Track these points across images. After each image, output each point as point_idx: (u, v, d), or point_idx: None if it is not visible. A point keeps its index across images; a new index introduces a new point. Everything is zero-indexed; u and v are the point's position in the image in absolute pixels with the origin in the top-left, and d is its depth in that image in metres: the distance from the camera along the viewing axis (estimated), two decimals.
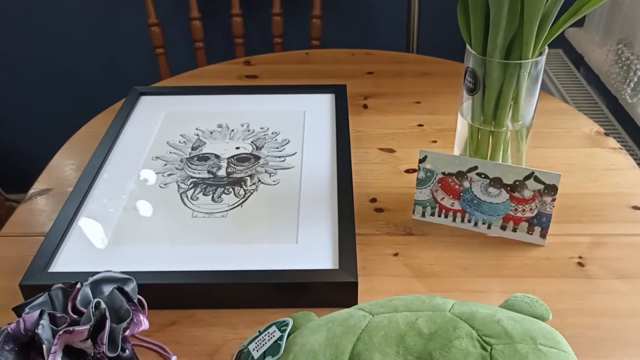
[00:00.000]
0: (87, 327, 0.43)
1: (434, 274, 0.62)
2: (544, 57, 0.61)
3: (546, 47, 0.61)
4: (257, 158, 0.76)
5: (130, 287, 0.49)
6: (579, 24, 1.35)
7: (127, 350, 0.49)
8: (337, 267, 0.58)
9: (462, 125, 0.67)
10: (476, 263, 0.63)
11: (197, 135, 0.81)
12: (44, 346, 0.43)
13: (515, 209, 0.64)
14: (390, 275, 0.62)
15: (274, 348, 0.49)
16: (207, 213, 0.67)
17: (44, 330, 0.44)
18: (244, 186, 0.71)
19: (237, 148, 0.78)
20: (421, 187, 0.67)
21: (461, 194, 0.65)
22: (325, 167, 0.74)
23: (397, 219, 0.69)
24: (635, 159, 0.80)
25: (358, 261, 0.61)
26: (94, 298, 0.47)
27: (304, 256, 0.60)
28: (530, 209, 0.63)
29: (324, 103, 0.88)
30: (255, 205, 0.68)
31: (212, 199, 0.69)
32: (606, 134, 0.84)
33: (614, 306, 0.58)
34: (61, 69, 1.62)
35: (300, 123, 0.83)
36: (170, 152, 0.78)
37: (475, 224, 0.66)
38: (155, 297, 0.55)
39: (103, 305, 0.45)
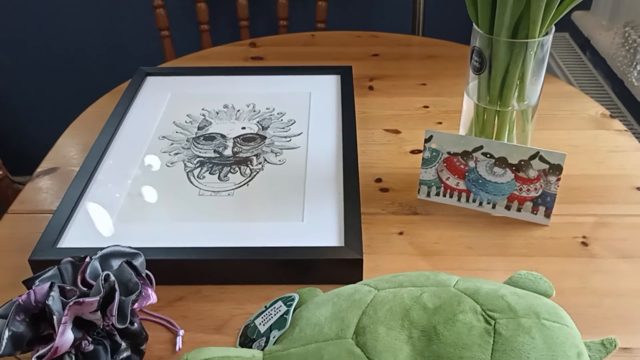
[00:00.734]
0: (97, 298, 0.44)
1: (439, 252, 0.62)
2: (550, 36, 0.61)
3: (553, 27, 0.61)
4: (263, 138, 0.76)
5: (139, 262, 0.50)
6: (586, 7, 1.34)
7: (135, 324, 0.50)
8: (342, 244, 0.59)
9: (467, 106, 0.68)
10: (480, 242, 0.63)
11: (203, 115, 0.81)
12: (54, 317, 0.44)
13: (520, 189, 0.64)
14: (395, 253, 0.62)
15: (280, 322, 0.50)
16: (214, 192, 0.67)
17: (54, 301, 0.44)
18: (250, 165, 0.72)
19: (243, 128, 0.78)
20: (426, 166, 0.67)
21: (466, 173, 0.66)
22: (331, 147, 0.74)
23: (402, 198, 0.70)
24: None
25: (363, 240, 0.61)
26: (102, 271, 0.48)
27: (310, 234, 0.61)
28: (535, 189, 0.63)
29: (330, 84, 0.88)
30: (262, 184, 0.68)
31: (219, 177, 0.70)
32: (611, 116, 0.84)
33: (616, 285, 0.58)
34: (66, 52, 1.62)
35: (306, 104, 0.83)
36: (177, 132, 0.78)
37: (480, 204, 0.67)
38: (163, 273, 0.55)
39: (112, 277, 0.46)
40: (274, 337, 0.49)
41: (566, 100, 0.88)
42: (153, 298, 0.50)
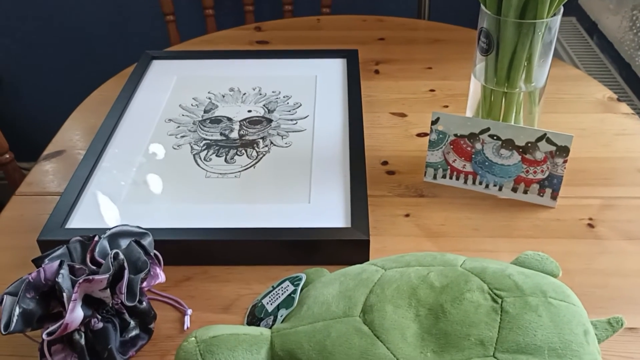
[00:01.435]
0: (107, 276, 0.45)
1: (445, 234, 0.63)
2: (558, 17, 0.61)
3: (561, 7, 0.61)
4: (269, 121, 0.76)
5: (147, 241, 0.50)
6: None
7: (144, 303, 0.51)
8: (349, 225, 0.59)
9: (474, 87, 0.67)
10: (486, 224, 0.63)
11: (209, 98, 0.81)
12: (64, 294, 0.44)
13: (527, 171, 0.64)
14: (401, 235, 0.63)
15: (288, 301, 0.50)
16: (221, 174, 0.68)
17: (64, 279, 0.45)
18: (256, 148, 0.72)
19: (249, 111, 0.78)
20: (433, 149, 0.67)
21: (473, 155, 0.66)
22: (337, 130, 0.74)
23: (408, 181, 0.70)
24: None
25: (369, 221, 0.61)
26: (111, 250, 0.48)
27: (317, 215, 0.61)
28: (542, 171, 0.63)
29: (336, 68, 0.88)
30: (268, 167, 0.69)
31: (225, 160, 0.70)
32: (618, 100, 0.84)
33: (622, 266, 0.58)
34: (72, 37, 1.62)
35: (312, 87, 0.83)
36: (183, 115, 0.78)
37: (487, 186, 0.67)
38: (170, 254, 0.56)
39: (121, 256, 0.46)
40: (281, 316, 0.49)
41: (573, 84, 0.88)
42: (161, 277, 0.50)
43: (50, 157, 0.76)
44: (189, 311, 0.54)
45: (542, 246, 0.61)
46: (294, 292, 0.51)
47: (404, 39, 1.02)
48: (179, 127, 0.76)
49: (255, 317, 0.52)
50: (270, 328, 0.47)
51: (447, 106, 0.83)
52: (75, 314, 0.44)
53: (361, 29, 1.06)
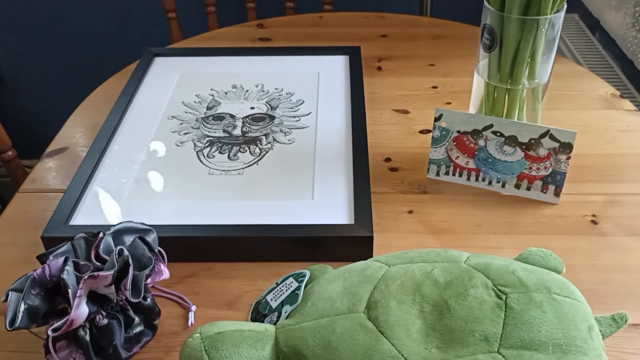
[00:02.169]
0: (111, 272, 0.45)
1: (448, 230, 0.63)
2: (562, 14, 0.61)
3: (565, 4, 0.61)
4: (272, 118, 0.76)
5: (151, 238, 0.50)
6: None
7: (148, 299, 0.51)
8: (352, 222, 0.59)
9: (478, 84, 0.67)
10: (490, 220, 0.64)
11: (212, 95, 0.81)
12: (69, 290, 0.44)
13: (530, 168, 0.64)
14: (405, 231, 0.63)
15: (292, 297, 0.50)
16: (224, 170, 0.68)
17: (69, 275, 0.45)
18: (259, 145, 0.72)
19: (252, 108, 0.78)
20: (436, 145, 0.67)
21: (476, 152, 0.66)
22: (340, 127, 0.74)
23: (411, 177, 0.70)
24: None
25: (373, 218, 0.61)
26: (116, 247, 0.48)
27: (320, 212, 0.61)
28: (545, 168, 0.63)
29: (338, 64, 0.88)
30: (271, 163, 0.69)
31: (228, 157, 0.70)
32: (621, 97, 0.84)
33: (626, 262, 0.58)
34: (74, 34, 1.62)
35: (314, 84, 0.83)
36: (186, 112, 0.78)
37: (490, 183, 0.67)
38: (174, 251, 0.56)
39: (126, 252, 0.46)
40: (285, 312, 0.49)
41: (576, 81, 0.88)
42: (166, 273, 0.50)
43: (53, 154, 0.76)
44: (193, 307, 0.55)
45: (546, 242, 0.61)
46: (298, 288, 0.51)
47: (406, 35, 1.02)
48: (181, 124, 0.76)
49: (259, 314, 0.52)
50: (275, 324, 0.47)
51: (450, 103, 0.83)
52: (80, 310, 0.44)
53: (363, 26, 1.06)
